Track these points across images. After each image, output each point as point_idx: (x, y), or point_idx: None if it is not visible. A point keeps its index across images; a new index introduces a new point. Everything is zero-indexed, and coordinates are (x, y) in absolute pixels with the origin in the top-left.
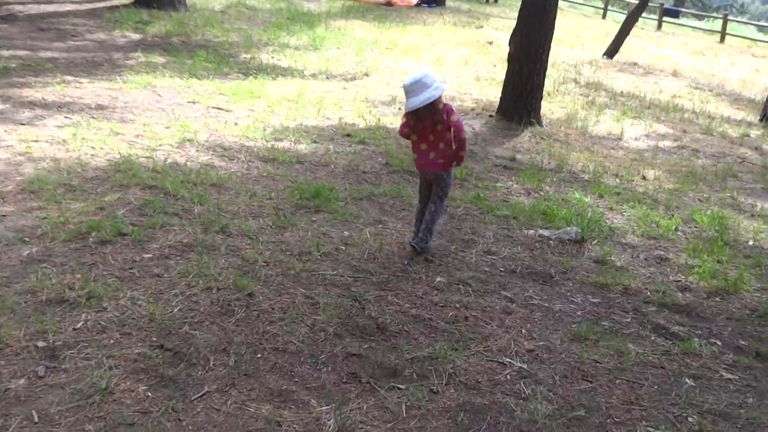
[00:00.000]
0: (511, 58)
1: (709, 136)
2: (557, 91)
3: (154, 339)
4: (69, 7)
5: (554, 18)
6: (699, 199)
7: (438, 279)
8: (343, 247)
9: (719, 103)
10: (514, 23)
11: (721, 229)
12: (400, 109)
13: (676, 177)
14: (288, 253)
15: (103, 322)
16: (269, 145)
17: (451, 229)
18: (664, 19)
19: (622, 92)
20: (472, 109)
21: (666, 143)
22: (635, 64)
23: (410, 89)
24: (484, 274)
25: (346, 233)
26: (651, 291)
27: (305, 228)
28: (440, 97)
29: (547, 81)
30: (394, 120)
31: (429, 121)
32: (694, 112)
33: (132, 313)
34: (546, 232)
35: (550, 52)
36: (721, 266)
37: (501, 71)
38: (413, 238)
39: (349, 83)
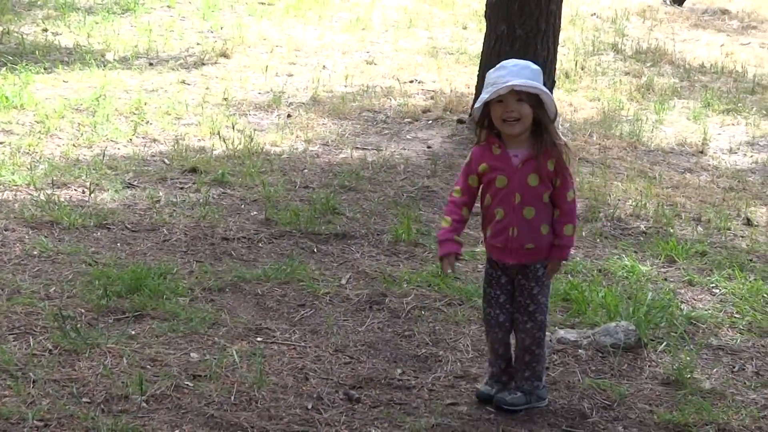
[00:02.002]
0: (493, 12)
1: None
2: (583, 69)
3: None
4: None
5: None
6: None
7: None
8: (190, 384)
9: None
10: None
11: None
12: (290, 116)
13: None
14: (84, 400)
15: None
16: (43, 197)
17: (393, 337)
18: None
19: (702, 66)
20: (426, 111)
21: None
22: (725, 12)
23: (511, 68)
24: (459, 418)
25: (194, 356)
26: None
27: (116, 351)
28: (554, 114)
29: (562, 51)
30: (280, 136)
31: (523, 156)
32: None
33: None
34: (571, 334)
35: None
36: None
37: (476, 37)
38: (492, 387)
39: (191, 72)
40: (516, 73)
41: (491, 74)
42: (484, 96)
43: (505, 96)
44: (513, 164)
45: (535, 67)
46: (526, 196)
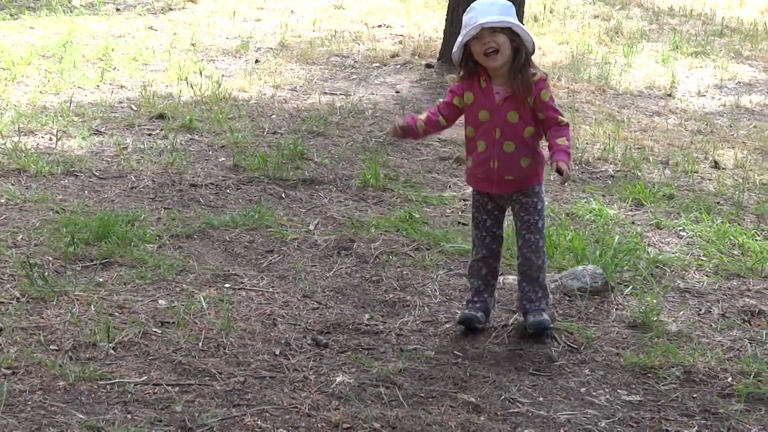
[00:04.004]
0: None
1: None
2: (551, 12)
3: None
4: None
5: None
6: None
7: (340, 379)
8: (158, 331)
9: None
10: None
11: None
12: (258, 62)
13: None
14: (52, 347)
15: None
16: (9, 144)
17: (360, 282)
18: None
19: (671, 9)
20: (395, 56)
21: (755, 99)
22: None
23: (479, 8)
24: (427, 363)
25: (162, 303)
26: (734, 375)
27: (84, 298)
28: (532, 46)
29: None
30: (248, 82)
31: (504, 92)
32: None
33: None
34: None
35: None
36: None
37: None
38: (473, 312)
39: (159, 18)
40: (485, 11)
41: (464, 17)
42: (461, 39)
43: (480, 32)
44: (495, 101)
45: (503, 2)
46: (506, 132)
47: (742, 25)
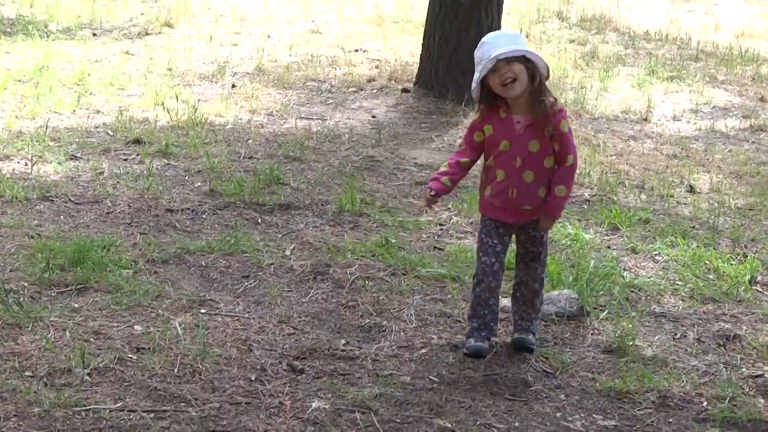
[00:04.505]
0: None
1: None
2: (528, 36)
3: None
4: None
5: None
6: None
7: (315, 405)
8: (133, 357)
9: None
10: None
11: None
12: (234, 86)
13: (749, 185)
14: (27, 373)
15: None
16: None
17: (336, 307)
18: None
19: (646, 33)
20: (371, 81)
21: (730, 123)
22: None
23: (490, 42)
24: (403, 388)
25: (137, 329)
26: (709, 399)
27: (59, 324)
28: (546, 71)
29: (507, 19)
30: (224, 106)
31: (526, 121)
32: None
33: None
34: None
35: None
36: None
37: (421, 5)
38: (483, 341)
39: (135, 42)
40: (496, 44)
41: (476, 54)
42: (477, 75)
43: (495, 65)
44: (515, 130)
45: (511, 32)
46: (527, 161)
47: (717, 50)
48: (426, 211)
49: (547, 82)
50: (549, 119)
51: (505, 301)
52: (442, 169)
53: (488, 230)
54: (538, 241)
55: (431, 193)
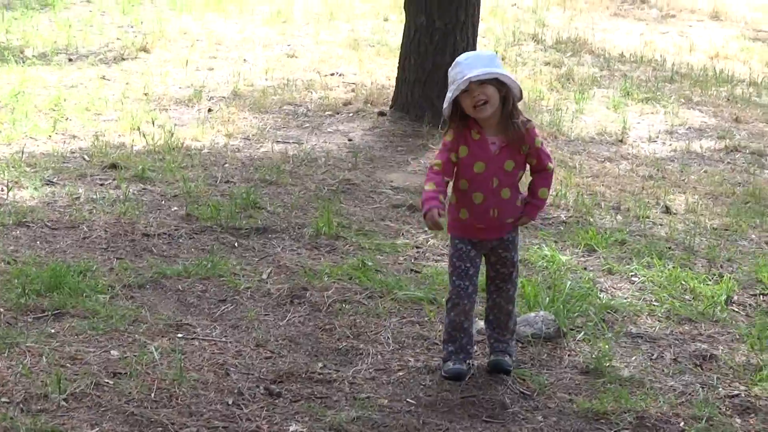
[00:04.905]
0: (412, 3)
1: None
2: (503, 59)
3: None
4: None
5: None
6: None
7: (293, 428)
8: (110, 382)
9: None
10: None
11: None
12: (211, 111)
13: (724, 205)
14: (3, 399)
15: None
16: None
17: (313, 331)
18: None
19: (621, 55)
20: (347, 104)
21: (705, 144)
22: (644, 1)
23: (464, 62)
24: (380, 411)
25: (114, 354)
26: (686, 420)
27: (35, 349)
28: (519, 93)
29: (482, 41)
30: (201, 131)
31: (501, 142)
32: (752, 84)
33: None
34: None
35: None
36: None
37: (397, 29)
38: (461, 363)
39: (111, 68)
40: (471, 65)
41: (450, 73)
42: (450, 95)
43: (468, 86)
44: (491, 151)
45: (486, 53)
46: (503, 180)
47: (692, 71)
48: (435, 233)
49: (520, 103)
50: (524, 139)
51: (481, 323)
52: (431, 188)
53: (460, 254)
54: (509, 261)
55: (439, 216)
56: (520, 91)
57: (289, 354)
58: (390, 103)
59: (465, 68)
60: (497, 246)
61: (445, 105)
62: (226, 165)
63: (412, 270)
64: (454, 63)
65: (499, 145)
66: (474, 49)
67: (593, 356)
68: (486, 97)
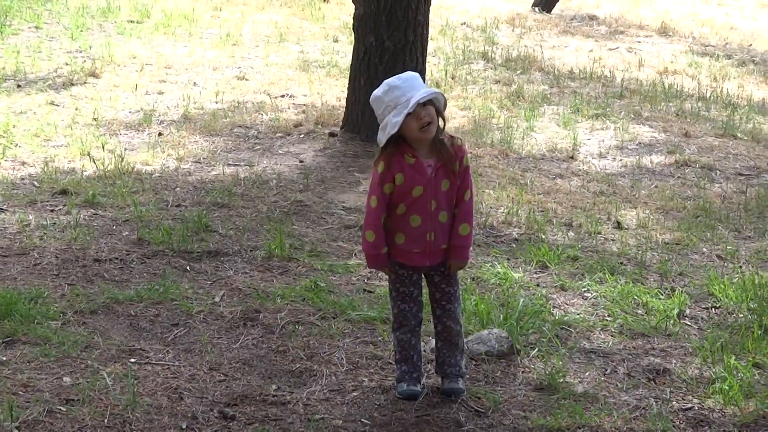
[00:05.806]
0: (361, 24)
1: (731, 139)
2: (453, 78)
3: None
4: None
5: None
6: (719, 256)
7: None
8: (63, 408)
9: (746, 79)
10: None
11: (760, 308)
12: (161, 135)
13: (675, 220)
14: None
15: None
16: None
17: (267, 353)
18: None
19: (571, 72)
20: (298, 126)
21: (655, 159)
22: (593, 18)
23: (404, 85)
24: None
25: (66, 381)
26: None
27: None
28: (443, 108)
29: (432, 61)
30: (151, 155)
31: (435, 163)
32: (701, 99)
33: None
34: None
35: (432, 6)
36: (763, 376)
37: (346, 50)
38: (414, 384)
39: (60, 93)
40: (411, 86)
41: (386, 97)
42: (397, 119)
43: (415, 108)
44: (428, 174)
45: (414, 73)
46: (441, 202)
47: (641, 87)
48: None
49: (472, 121)
50: (455, 157)
51: (434, 342)
52: (371, 239)
53: (402, 279)
54: (453, 279)
55: (388, 269)
56: (445, 107)
57: (243, 377)
58: (341, 123)
59: (407, 90)
60: (435, 270)
61: (389, 131)
62: (177, 189)
63: (365, 290)
64: (386, 87)
65: (434, 166)
66: (424, 68)
67: (547, 373)
68: (431, 117)
